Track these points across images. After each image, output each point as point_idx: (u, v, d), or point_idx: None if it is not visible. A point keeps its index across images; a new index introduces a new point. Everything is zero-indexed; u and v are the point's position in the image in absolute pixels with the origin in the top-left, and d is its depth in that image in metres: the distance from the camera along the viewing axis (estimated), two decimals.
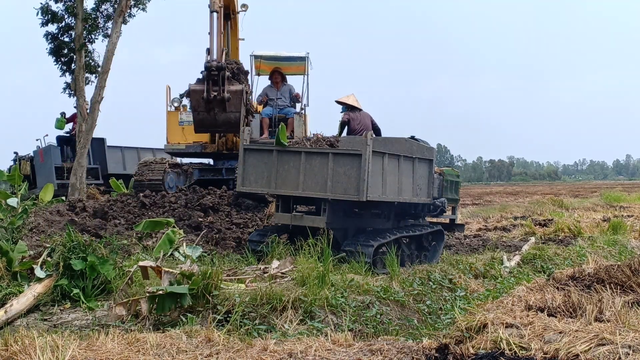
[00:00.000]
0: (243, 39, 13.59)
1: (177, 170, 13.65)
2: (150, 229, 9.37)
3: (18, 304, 5.78)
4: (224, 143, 13.92)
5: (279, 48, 13.74)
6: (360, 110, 10.89)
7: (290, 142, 8.97)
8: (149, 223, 9.39)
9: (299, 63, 13.73)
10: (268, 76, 13.41)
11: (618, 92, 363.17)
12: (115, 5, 15.64)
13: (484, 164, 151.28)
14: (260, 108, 13.42)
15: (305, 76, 13.69)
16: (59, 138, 17.36)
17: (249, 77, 13.57)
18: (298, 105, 13.38)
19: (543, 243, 11.53)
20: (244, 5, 12.98)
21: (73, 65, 15.90)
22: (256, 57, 13.62)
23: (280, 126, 8.71)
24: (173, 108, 14.09)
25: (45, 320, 5.77)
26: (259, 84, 13.61)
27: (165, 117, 14.77)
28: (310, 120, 14.03)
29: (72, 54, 16.00)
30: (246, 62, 13.64)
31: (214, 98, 10.26)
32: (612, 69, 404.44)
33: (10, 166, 17.14)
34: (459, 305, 6.08)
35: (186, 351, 4.04)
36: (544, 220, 15.52)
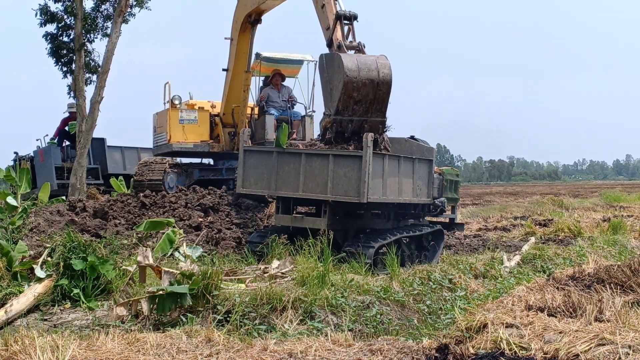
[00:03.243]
0: None
1: (177, 170, 13.63)
2: (151, 229, 9.38)
3: (18, 304, 5.79)
4: (236, 143, 13.82)
5: (271, 47, 13.68)
6: None
7: (288, 144, 8.99)
8: (150, 223, 9.40)
9: (296, 66, 13.71)
10: (264, 78, 13.38)
11: (618, 92, 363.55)
12: (115, 5, 15.64)
13: (484, 164, 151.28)
14: (257, 109, 13.44)
15: (314, 78, 13.58)
16: (61, 132, 17.27)
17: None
18: (298, 107, 13.37)
19: (543, 243, 11.52)
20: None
21: (73, 65, 15.90)
22: (259, 57, 13.56)
23: (283, 126, 8.70)
24: (168, 105, 13.94)
25: (45, 320, 5.77)
26: (257, 85, 13.55)
27: (153, 115, 14.74)
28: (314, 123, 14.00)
29: (71, 55, 16.01)
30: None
31: (350, 45, 9.00)
32: (612, 69, 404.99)
33: (9, 166, 17.13)
34: (459, 305, 6.07)
35: (186, 351, 4.04)
36: (544, 220, 15.50)
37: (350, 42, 9.03)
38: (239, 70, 13.09)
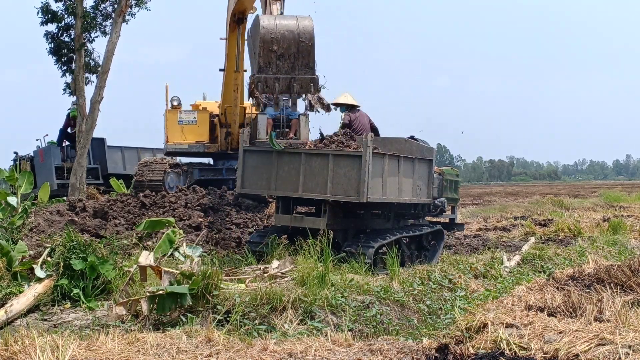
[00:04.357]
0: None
1: (177, 170, 13.64)
2: (151, 228, 9.38)
3: (18, 304, 5.79)
4: (229, 143, 13.86)
5: None
6: (358, 109, 10.89)
7: (287, 143, 8.99)
8: (150, 223, 9.40)
9: None
10: None
11: (618, 92, 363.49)
12: (115, 5, 15.66)
13: (484, 164, 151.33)
14: (254, 109, 13.44)
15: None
16: (62, 132, 17.27)
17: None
18: (300, 102, 13.39)
19: (543, 243, 11.52)
20: (252, 8, 13.02)
21: (73, 65, 15.92)
22: None
23: (269, 134, 8.71)
24: (171, 106, 14.01)
25: (45, 320, 5.77)
26: None
27: (162, 117, 14.80)
28: (310, 122, 14.04)
29: (71, 54, 16.03)
30: (247, 63, 13.66)
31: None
32: (612, 69, 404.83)
33: (11, 166, 17.13)
34: (459, 305, 6.08)
35: (186, 351, 4.04)
36: (544, 220, 15.51)
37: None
38: (230, 70, 13.13)
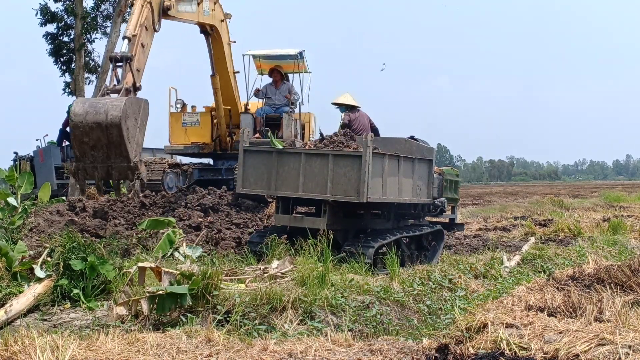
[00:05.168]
0: (234, 42, 13.72)
1: (176, 170, 13.68)
2: (153, 227, 9.38)
3: (18, 304, 5.78)
4: (218, 143, 14.03)
5: (275, 47, 14.08)
6: (358, 109, 10.89)
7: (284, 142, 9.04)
8: (152, 222, 9.40)
9: (295, 61, 13.80)
10: (268, 74, 13.58)
11: (618, 92, 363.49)
12: (115, 5, 15.70)
13: (484, 164, 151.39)
14: (258, 104, 13.59)
15: (303, 74, 13.79)
16: (61, 132, 17.28)
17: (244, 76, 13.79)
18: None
19: (543, 243, 11.52)
20: (227, 14, 13.19)
21: (73, 65, 15.95)
22: (254, 56, 13.76)
23: (269, 134, 8.80)
24: (177, 109, 14.20)
25: (45, 320, 5.77)
26: (262, 83, 13.80)
27: (167, 119, 14.92)
28: (315, 120, 14.22)
29: (71, 54, 16.06)
30: (239, 63, 13.79)
31: (113, 88, 9.17)
32: (613, 68, 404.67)
33: (11, 166, 17.11)
34: (459, 305, 6.07)
35: (186, 351, 4.04)
36: (544, 220, 15.52)
37: (114, 85, 9.21)
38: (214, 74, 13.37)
